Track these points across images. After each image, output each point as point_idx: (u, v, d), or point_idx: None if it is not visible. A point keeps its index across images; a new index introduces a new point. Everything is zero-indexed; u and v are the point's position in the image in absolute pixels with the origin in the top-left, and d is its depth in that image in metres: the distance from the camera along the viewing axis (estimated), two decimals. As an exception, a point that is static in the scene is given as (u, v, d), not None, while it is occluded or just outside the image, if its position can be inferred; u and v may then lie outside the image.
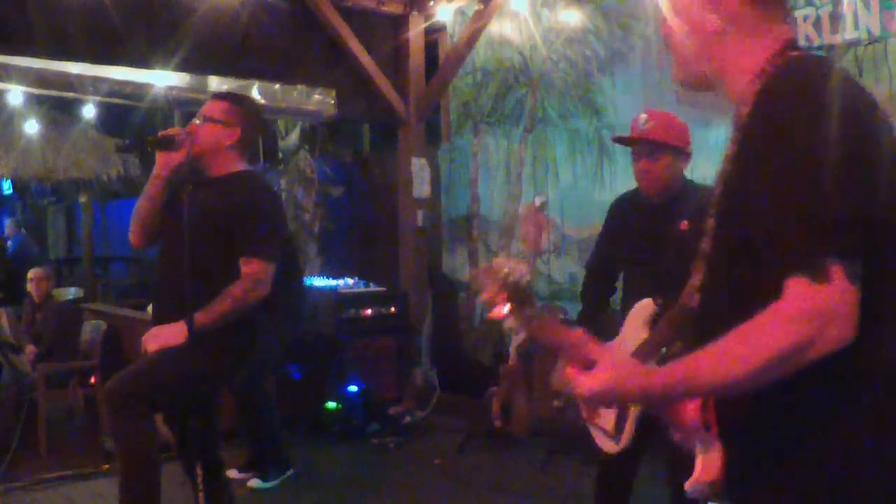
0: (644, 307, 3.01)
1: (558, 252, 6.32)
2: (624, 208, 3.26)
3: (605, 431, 3.11)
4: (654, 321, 2.98)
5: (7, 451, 4.90)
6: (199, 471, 2.91)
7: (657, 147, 3.02)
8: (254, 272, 2.98)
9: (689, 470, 1.57)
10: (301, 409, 5.82)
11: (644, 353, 2.96)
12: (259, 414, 4.73)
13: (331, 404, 5.75)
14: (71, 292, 8.86)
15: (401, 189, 6.71)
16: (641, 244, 3.12)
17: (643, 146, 3.04)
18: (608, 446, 3.11)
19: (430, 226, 6.87)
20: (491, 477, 4.89)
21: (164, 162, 3.08)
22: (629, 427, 3.01)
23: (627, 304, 3.13)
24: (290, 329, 4.99)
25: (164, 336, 2.95)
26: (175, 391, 2.97)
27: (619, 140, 3.19)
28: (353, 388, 5.79)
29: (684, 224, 2.99)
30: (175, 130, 3.06)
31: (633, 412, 3.00)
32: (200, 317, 2.84)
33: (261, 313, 3.15)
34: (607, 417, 3.10)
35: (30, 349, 5.76)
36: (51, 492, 4.56)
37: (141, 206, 3.14)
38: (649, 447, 3.10)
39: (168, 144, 3.04)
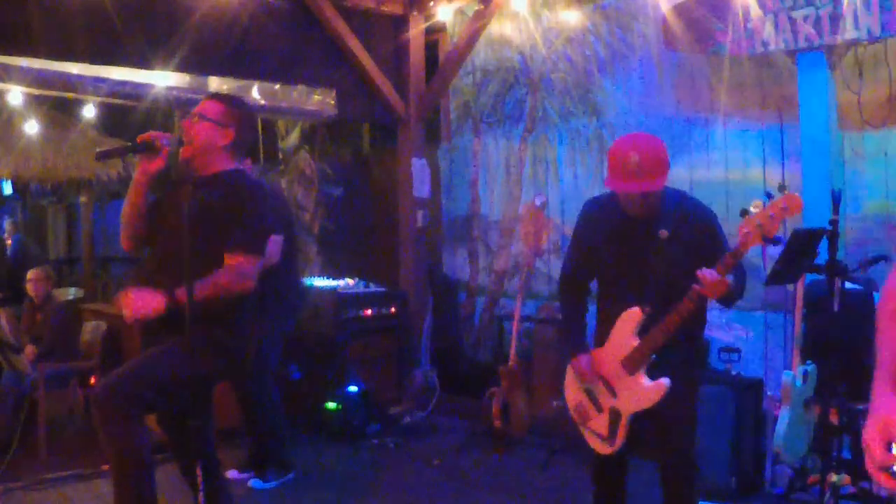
0: (632, 315, 3.05)
1: (558, 252, 6.33)
2: (599, 214, 3.21)
3: (598, 435, 3.16)
4: (643, 329, 3.02)
5: (7, 451, 4.90)
6: (198, 471, 2.89)
7: (656, 193, 2.98)
8: (238, 265, 2.98)
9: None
10: (301, 409, 5.82)
11: (635, 359, 3.01)
12: (261, 412, 4.72)
13: (331, 404, 5.75)
14: (71, 292, 8.85)
15: (401, 189, 6.71)
16: (622, 252, 3.11)
17: (642, 196, 2.97)
18: (603, 448, 3.18)
19: (430, 226, 6.87)
20: (491, 477, 4.89)
21: (144, 168, 3.06)
22: (622, 430, 3.08)
23: (610, 312, 3.14)
24: (287, 325, 4.99)
25: (141, 301, 2.82)
26: (165, 392, 2.94)
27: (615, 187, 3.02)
28: (353, 388, 5.79)
29: (664, 233, 3.01)
30: (155, 134, 3.03)
31: (626, 416, 3.04)
32: (182, 294, 2.80)
33: (254, 313, 3.15)
34: (600, 422, 3.14)
35: (30, 349, 5.75)
36: (51, 492, 4.56)
37: (124, 211, 3.14)
38: (641, 448, 3.18)
39: (148, 149, 3.02)
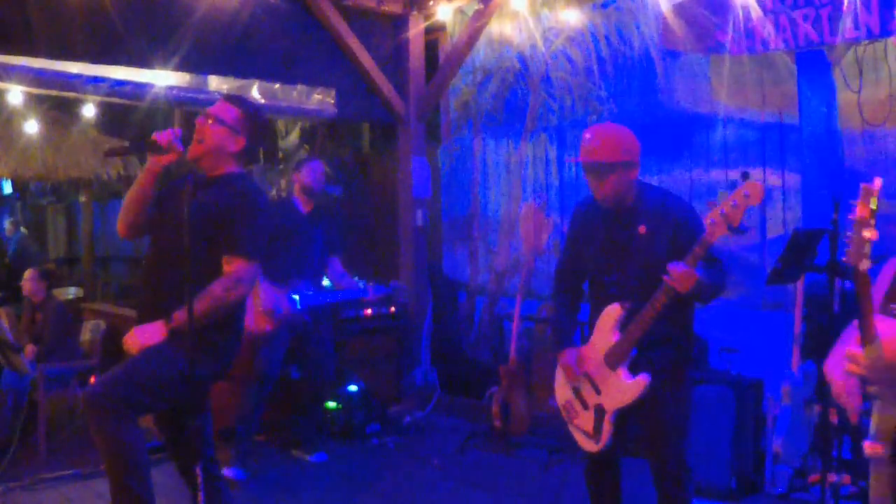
0: (612, 312, 3.10)
1: (558, 251, 6.32)
2: (586, 214, 3.30)
3: (584, 432, 3.20)
4: (622, 325, 3.06)
5: (7, 451, 4.90)
6: (198, 472, 2.88)
7: (601, 167, 3.06)
8: (235, 271, 2.98)
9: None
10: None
11: (616, 354, 3.04)
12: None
13: (331, 404, 5.75)
14: (71, 292, 8.86)
15: (401, 189, 6.71)
16: (604, 249, 3.18)
17: (589, 168, 3.10)
18: (589, 446, 3.22)
19: (430, 226, 6.87)
20: (491, 477, 4.89)
21: (156, 159, 3.08)
22: (607, 427, 3.11)
23: (596, 309, 3.20)
24: None
25: (144, 336, 2.94)
26: (158, 394, 2.93)
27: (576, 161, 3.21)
28: (353, 388, 5.79)
29: (642, 228, 3.07)
30: (168, 135, 3.03)
31: (610, 412, 3.09)
32: (181, 315, 2.83)
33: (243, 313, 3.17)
34: (586, 419, 3.18)
35: (30, 349, 5.76)
36: (51, 492, 4.56)
37: (129, 195, 3.14)
38: (630, 445, 3.24)
39: (157, 149, 3.03)
